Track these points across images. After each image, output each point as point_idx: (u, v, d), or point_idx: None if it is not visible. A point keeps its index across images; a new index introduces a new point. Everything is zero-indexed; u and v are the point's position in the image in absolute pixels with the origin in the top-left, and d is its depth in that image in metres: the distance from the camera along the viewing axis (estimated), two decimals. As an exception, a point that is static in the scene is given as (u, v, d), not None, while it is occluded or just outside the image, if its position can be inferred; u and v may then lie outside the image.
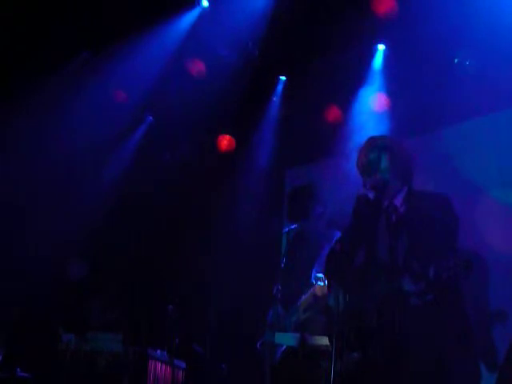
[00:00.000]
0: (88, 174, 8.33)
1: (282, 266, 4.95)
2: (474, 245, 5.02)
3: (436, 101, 6.59)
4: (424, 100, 6.68)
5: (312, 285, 5.10)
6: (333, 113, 7.59)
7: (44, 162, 7.75)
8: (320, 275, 4.94)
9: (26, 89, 7.37)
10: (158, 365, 6.58)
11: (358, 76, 7.36)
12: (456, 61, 6.48)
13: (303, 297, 5.12)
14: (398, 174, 3.97)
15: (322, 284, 4.80)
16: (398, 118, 7.05)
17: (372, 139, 4.15)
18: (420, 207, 3.83)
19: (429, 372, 3.55)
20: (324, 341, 4.22)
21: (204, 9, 7.23)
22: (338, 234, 4.81)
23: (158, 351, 6.57)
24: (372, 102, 7.28)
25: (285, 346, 4.95)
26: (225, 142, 8.58)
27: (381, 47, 7.23)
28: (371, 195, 3.73)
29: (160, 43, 7.38)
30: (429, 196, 3.96)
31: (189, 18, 7.29)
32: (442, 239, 3.65)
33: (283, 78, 8.13)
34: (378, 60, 7.28)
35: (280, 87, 8.15)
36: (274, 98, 8.19)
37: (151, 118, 8.65)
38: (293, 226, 5.20)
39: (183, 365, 6.82)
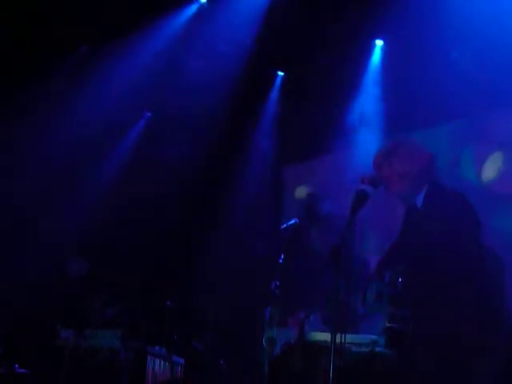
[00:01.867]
0: (88, 172, 8.32)
1: (280, 262, 4.94)
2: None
3: (433, 98, 6.59)
4: (421, 97, 6.68)
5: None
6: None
7: (43, 160, 7.74)
8: None
9: (25, 87, 7.36)
10: (157, 361, 6.58)
11: (356, 72, 7.36)
12: (454, 55, 6.47)
13: None
14: (413, 175, 3.95)
15: None
16: (394, 114, 7.06)
17: (380, 147, 4.16)
18: (439, 206, 3.83)
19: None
20: (323, 337, 4.21)
21: (202, 4, 7.23)
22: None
23: (157, 348, 6.57)
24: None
25: (283, 342, 4.95)
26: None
27: (379, 43, 7.22)
28: (369, 190, 3.74)
29: (159, 39, 7.37)
30: (450, 195, 3.94)
31: (187, 13, 7.28)
32: (458, 242, 3.67)
33: (281, 73, 8.13)
34: (376, 56, 7.28)
35: (278, 82, 8.15)
36: (272, 94, 8.19)
37: (149, 114, 8.65)
38: (291, 222, 5.18)
39: (182, 361, 6.82)
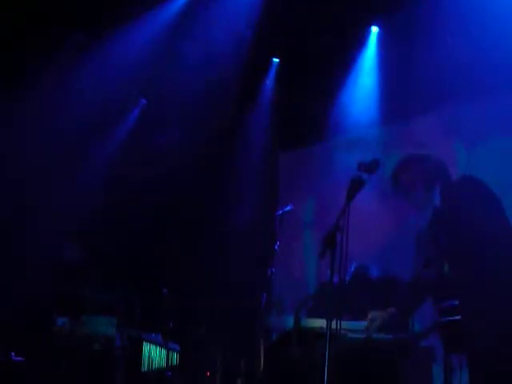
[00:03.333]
0: (84, 159, 8.31)
1: (276, 248, 4.95)
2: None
3: (427, 85, 6.58)
4: (416, 84, 6.67)
5: None
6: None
7: (39, 147, 7.72)
8: None
9: (23, 72, 7.34)
10: (153, 348, 6.60)
11: (351, 58, 7.35)
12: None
13: None
14: (426, 180, 4.04)
15: None
16: (390, 101, 7.07)
17: (397, 162, 4.22)
18: (455, 198, 3.90)
19: None
20: (319, 323, 4.22)
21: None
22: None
23: (153, 334, 6.58)
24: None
25: (280, 329, 4.96)
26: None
27: (374, 29, 7.20)
28: (365, 177, 3.74)
29: (155, 26, 7.34)
30: (461, 184, 4.02)
31: (182, 0, 7.24)
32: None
33: (277, 60, 8.10)
34: (372, 42, 7.26)
35: (274, 69, 8.13)
36: (268, 81, 8.17)
37: (144, 101, 8.62)
38: (286, 209, 5.19)
39: (177, 348, 6.83)
